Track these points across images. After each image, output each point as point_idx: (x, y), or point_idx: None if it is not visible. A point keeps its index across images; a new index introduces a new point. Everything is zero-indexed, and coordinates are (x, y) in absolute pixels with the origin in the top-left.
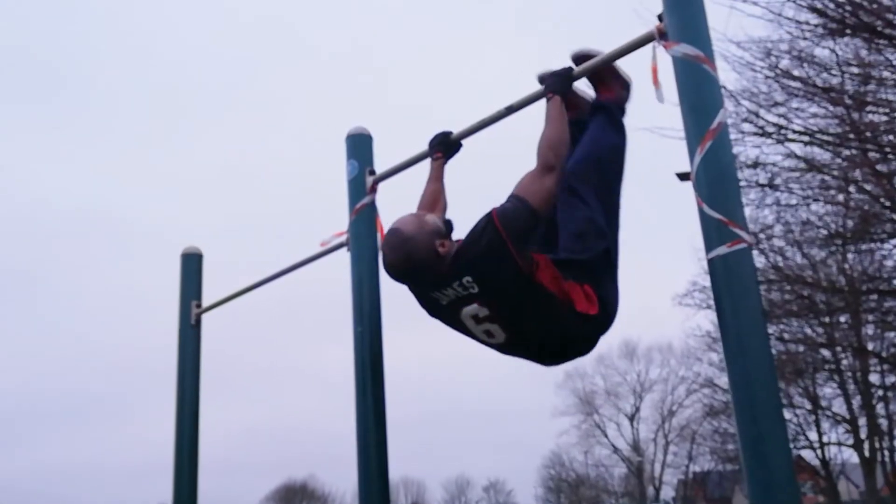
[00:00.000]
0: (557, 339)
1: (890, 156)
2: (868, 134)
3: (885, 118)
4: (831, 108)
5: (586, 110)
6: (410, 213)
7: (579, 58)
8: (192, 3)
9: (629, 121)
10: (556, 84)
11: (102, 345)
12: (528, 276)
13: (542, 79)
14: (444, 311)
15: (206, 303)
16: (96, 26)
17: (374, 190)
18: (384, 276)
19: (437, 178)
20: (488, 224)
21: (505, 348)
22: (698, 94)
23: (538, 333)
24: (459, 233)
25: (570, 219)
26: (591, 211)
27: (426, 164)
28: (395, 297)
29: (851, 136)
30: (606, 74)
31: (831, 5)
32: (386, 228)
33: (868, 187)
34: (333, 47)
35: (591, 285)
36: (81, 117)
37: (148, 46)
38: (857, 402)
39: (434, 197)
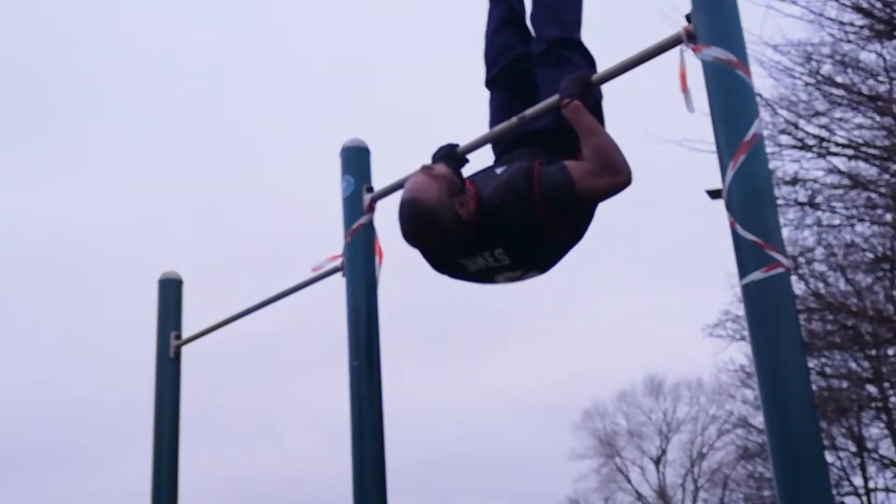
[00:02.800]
0: (555, 259)
1: None
2: None
3: None
4: (878, 118)
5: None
6: (422, 173)
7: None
8: (178, 13)
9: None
10: (572, 88)
11: (66, 385)
12: (551, 236)
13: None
14: (473, 275)
15: (186, 334)
16: (63, 44)
17: (371, 209)
18: (383, 302)
19: None
20: (525, 183)
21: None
22: (731, 102)
23: (546, 262)
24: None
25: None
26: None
27: None
28: (395, 328)
29: None
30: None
31: (878, 5)
32: (386, 244)
33: None
34: (327, 52)
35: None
36: (44, 139)
37: (118, 64)
38: None
39: None
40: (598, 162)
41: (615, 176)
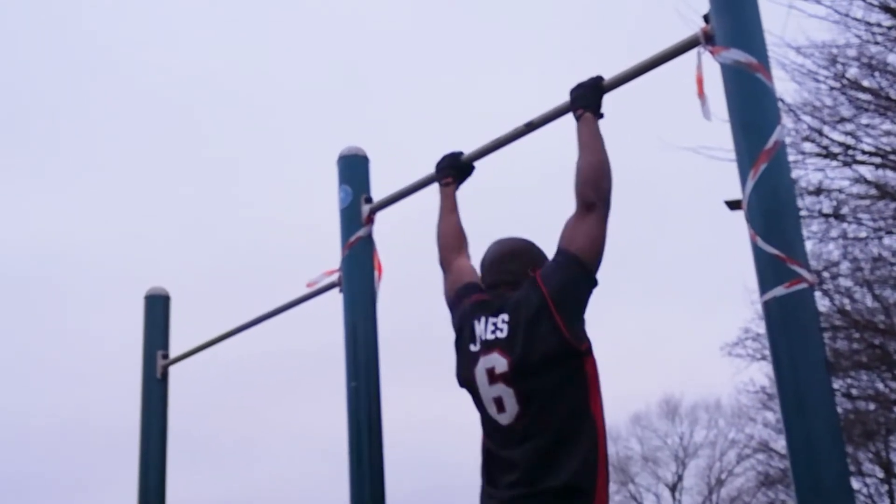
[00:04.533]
0: (564, 436)
1: None
2: None
3: None
4: None
5: None
6: None
7: None
8: (164, 25)
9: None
10: (584, 97)
11: (48, 406)
12: (571, 349)
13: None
14: (466, 357)
15: (174, 353)
16: (46, 62)
17: (370, 220)
18: (383, 320)
19: (452, 208)
20: (530, 282)
21: (508, 435)
22: (751, 107)
23: (551, 423)
24: None
25: None
26: None
27: (431, 191)
28: (396, 347)
29: None
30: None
31: None
32: (385, 262)
33: None
34: (323, 59)
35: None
36: (28, 156)
37: (102, 80)
38: None
39: (456, 231)
40: (579, 195)
41: (593, 211)
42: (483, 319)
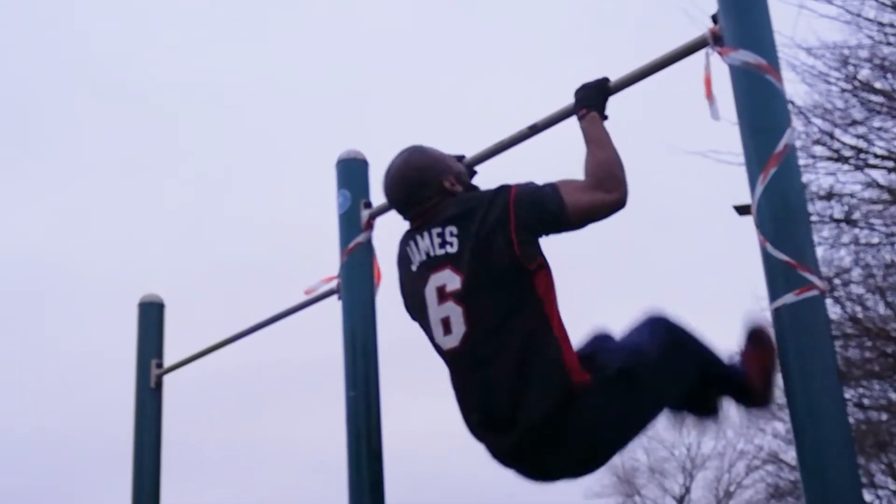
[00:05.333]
0: (522, 355)
1: None
2: None
3: None
4: None
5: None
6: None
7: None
8: (159, 27)
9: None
10: (589, 97)
11: (38, 416)
12: (522, 267)
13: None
14: (413, 280)
15: (168, 362)
16: (36, 65)
17: (369, 226)
18: (383, 328)
19: None
20: (500, 195)
21: (457, 360)
22: (760, 110)
23: (505, 347)
24: None
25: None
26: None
27: None
28: (396, 355)
29: None
30: (763, 369)
31: None
32: (385, 268)
33: None
34: (321, 61)
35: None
36: (19, 160)
37: (95, 84)
38: None
39: None
40: (592, 176)
41: (607, 193)
42: (426, 234)
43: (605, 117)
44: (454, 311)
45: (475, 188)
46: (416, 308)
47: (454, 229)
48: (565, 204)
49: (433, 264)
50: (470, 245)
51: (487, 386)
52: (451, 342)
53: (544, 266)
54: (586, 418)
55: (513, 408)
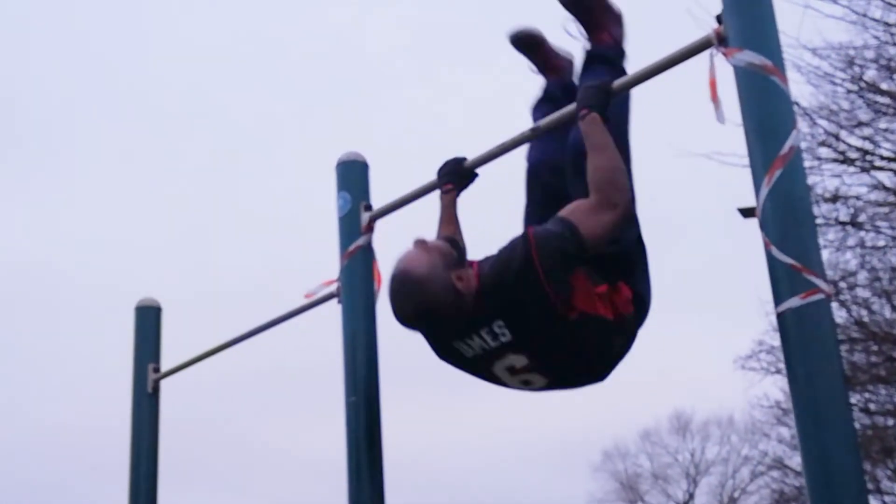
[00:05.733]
0: (601, 359)
1: None
2: None
3: None
4: None
5: (570, 70)
6: (414, 246)
7: (519, 39)
8: (153, 33)
9: (692, 143)
10: (590, 97)
11: (33, 421)
12: (564, 316)
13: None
14: (470, 364)
15: (165, 366)
16: (34, 68)
17: (370, 229)
18: (383, 332)
19: (450, 219)
20: (522, 248)
21: (545, 390)
22: (765, 111)
23: (582, 366)
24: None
25: None
26: None
27: (433, 198)
28: (397, 360)
29: None
30: (597, 9)
31: None
32: (386, 272)
33: None
34: (319, 63)
35: (626, 281)
36: (16, 163)
37: (91, 87)
38: None
39: (446, 248)
40: (597, 190)
41: (614, 208)
42: (475, 337)
43: (607, 119)
44: (532, 377)
45: (463, 254)
46: (466, 370)
47: (500, 322)
48: (584, 239)
49: (493, 355)
50: (522, 329)
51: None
52: (536, 387)
53: (572, 285)
54: None
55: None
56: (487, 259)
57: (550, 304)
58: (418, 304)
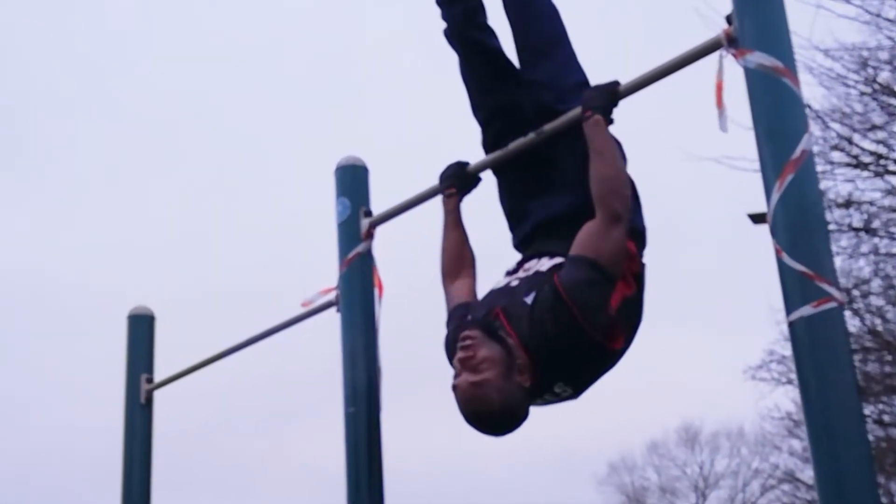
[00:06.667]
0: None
1: None
2: None
3: None
4: None
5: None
6: (469, 374)
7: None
8: (148, 36)
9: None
10: (595, 99)
11: (23, 430)
12: (612, 351)
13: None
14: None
15: (159, 377)
16: (24, 72)
17: (370, 235)
18: (383, 342)
19: (455, 224)
20: (558, 306)
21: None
22: (777, 114)
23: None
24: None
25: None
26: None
27: (435, 204)
28: (397, 370)
29: None
30: None
31: None
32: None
33: None
34: (317, 66)
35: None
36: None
37: (82, 93)
38: None
39: (458, 250)
40: (602, 206)
41: (620, 222)
42: (536, 401)
43: (611, 121)
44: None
45: (500, 337)
46: None
47: (561, 384)
48: (608, 269)
49: (552, 402)
50: (579, 381)
51: None
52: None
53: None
54: None
55: None
56: (510, 304)
57: (599, 347)
58: (507, 425)
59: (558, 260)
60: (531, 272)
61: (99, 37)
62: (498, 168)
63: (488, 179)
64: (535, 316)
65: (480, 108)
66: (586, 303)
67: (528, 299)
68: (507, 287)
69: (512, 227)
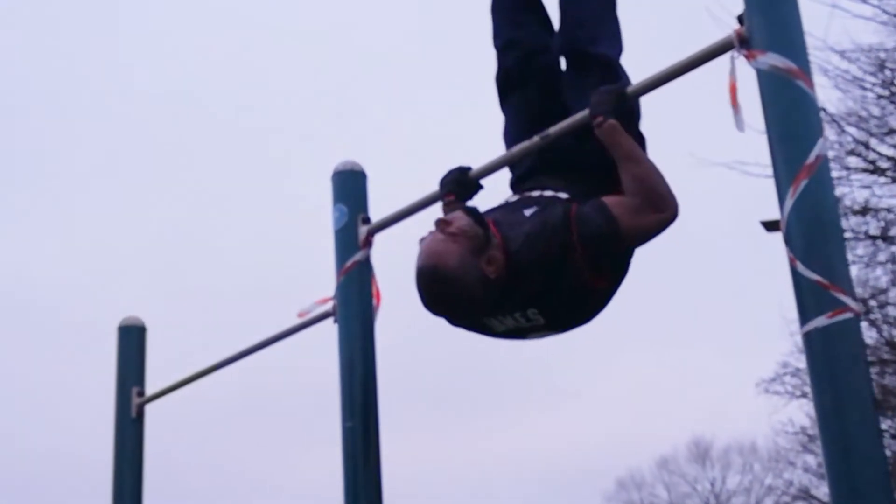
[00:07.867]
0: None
1: None
2: None
3: None
4: None
5: None
6: (438, 231)
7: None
8: (146, 39)
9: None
10: (603, 103)
11: (9, 453)
12: (594, 289)
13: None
14: (497, 335)
15: (150, 390)
16: (18, 82)
17: (368, 243)
18: (382, 353)
19: None
20: (559, 227)
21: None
22: (790, 118)
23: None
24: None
25: None
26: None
27: (435, 210)
28: (397, 382)
29: None
30: None
31: None
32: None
33: None
34: (316, 69)
35: None
36: None
37: (75, 97)
38: None
39: None
40: (640, 196)
41: (661, 212)
42: (507, 317)
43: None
44: (542, 332)
45: (483, 222)
46: (485, 334)
47: (535, 310)
48: (622, 237)
49: (523, 332)
50: (554, 314)
51: None
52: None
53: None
54: None
55: None
56: (508, 218)
57: (586, 284)
58: (450, 298)
59: (565, 196)
60: (534, 195)
61: (97, 39)
62: (508, 96)
63: (489, 186)
64: (530, 229)
65: (500, 37)
66: (590, 241)
67: (528, 212)
68: (503, 204)
69: (513, 166)
